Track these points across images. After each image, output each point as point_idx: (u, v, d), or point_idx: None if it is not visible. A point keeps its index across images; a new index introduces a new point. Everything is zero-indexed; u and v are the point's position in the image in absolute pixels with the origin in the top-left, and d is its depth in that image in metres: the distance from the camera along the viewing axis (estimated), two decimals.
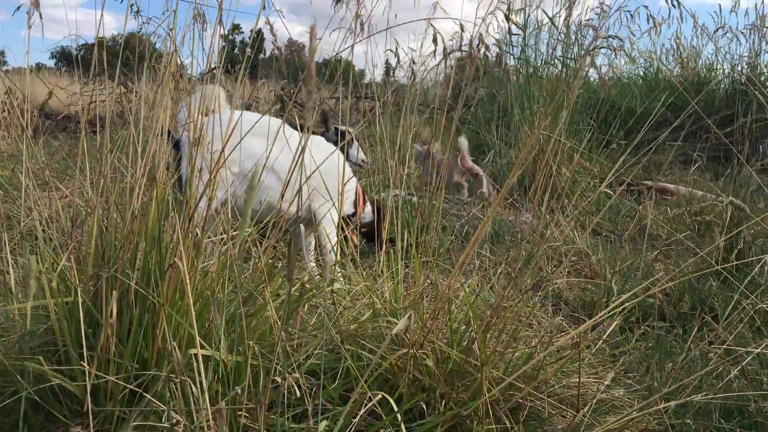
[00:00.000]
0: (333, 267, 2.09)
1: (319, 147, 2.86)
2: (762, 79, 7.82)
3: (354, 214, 3.22)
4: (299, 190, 1.42)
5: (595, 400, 1.67)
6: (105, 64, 1.64)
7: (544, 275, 2.83)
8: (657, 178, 5.54)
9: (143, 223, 1.47)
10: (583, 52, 4.95)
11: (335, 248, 2.77)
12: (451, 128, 2.49)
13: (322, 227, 2.87)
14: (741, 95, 6.34)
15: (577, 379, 1.71)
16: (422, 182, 4.82)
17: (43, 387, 1.35)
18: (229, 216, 1.63)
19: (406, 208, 3.10)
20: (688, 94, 6.58)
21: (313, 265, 2.72)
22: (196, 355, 1.15)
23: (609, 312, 1.37)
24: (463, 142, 5.06)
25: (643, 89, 7.81)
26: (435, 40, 2.18)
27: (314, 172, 1.86)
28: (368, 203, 3.33)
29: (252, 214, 2.06)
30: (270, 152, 1.73)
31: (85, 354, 1.26)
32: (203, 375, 1.10)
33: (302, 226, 2.96)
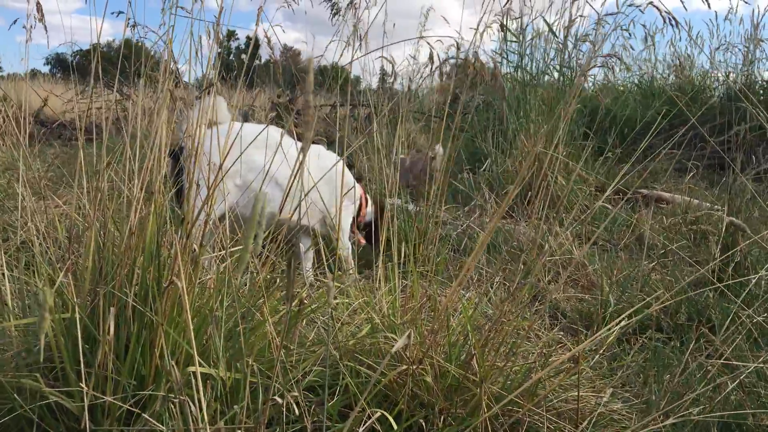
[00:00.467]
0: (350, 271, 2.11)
1: (320, 155, 2.88)
2: (756, 87, 7.85)
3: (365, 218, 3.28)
4: (302, 200, 1.42)
5: (593, 415, 1.67)
6: (101, 72, 1.63)
7: (542, 286, 2.83)
8: (652, 186, 5.55)
9: (141, 238, 1.46)
10: (580, 70, 4.96)
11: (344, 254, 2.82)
12: (447, 135, 2.49)
13: (340, 234, 2.92)
14: (735, 103, 6.35)
15: (575, 393, 1.71)
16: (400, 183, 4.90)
17: (41, 404, 1.35)
18: (227, 231, 1.63)
19: (401, 217, 3.11)
20: (682, 102, 6.58)
21: (312, 279, 2.73)
22: (194, 373, 1.14)
23: (609, 329, 1.36)
24: (439, 150, 5.09)
25: (637, 97, 7.83)
26: (431, 58, 2.18)
27: (319, 181, 1.87)
28: (370, 203, 3.35)
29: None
30: (272, 164, 1.72)
31: (82, 371, 1.25)
32: (202, 394, 1.09)
33: (303, 239, 2.98)
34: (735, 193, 3.66)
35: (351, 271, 2.83)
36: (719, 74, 8.21)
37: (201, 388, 1.09)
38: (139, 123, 1.60)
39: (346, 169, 2.90)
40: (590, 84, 7.31)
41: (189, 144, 1.57)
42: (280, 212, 1.68)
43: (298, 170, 1.46)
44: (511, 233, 3.88)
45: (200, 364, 1.20)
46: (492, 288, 2.55)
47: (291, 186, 1.52)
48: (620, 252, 3.70)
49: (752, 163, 4.68)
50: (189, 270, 1.42)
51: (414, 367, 1.44)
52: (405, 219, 3.13)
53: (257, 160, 2.24)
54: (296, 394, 1.17)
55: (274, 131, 2.39)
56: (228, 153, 1.58)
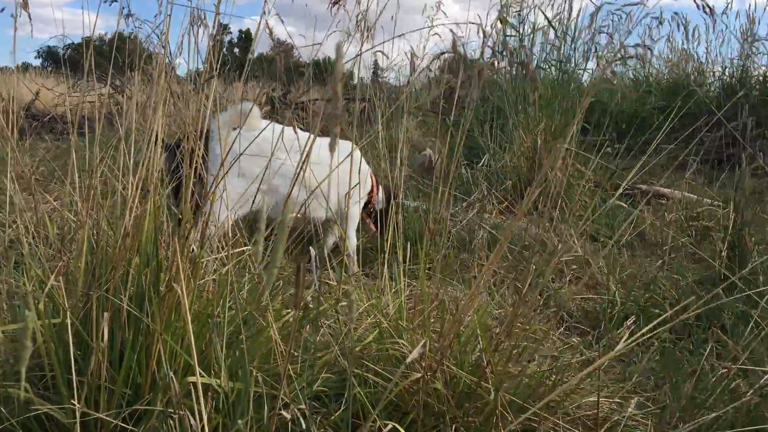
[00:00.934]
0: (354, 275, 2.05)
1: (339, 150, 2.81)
2: (752, 81, 7.80)
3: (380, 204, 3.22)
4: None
5: (610, 422, 1.60)
6: (93, 66, 1.55)
7: (546, 283, 2.76)
8: (650, 182, 5.48)
9: (136, 238, 1.38)
10: (603, 60, 4.88)
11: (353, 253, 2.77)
12: (444, 130, 2.42)
13: (348, 228, 2.85)
14: (732, 97, 6.29)
15: (590, 399, 1.65)
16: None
17: (29, 415, 1.27)
18: (229, 233, 1.55)
19: (405, 216, 3.04)
20: (678, 96, 6.53)
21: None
22: (194, 383, 1.07)
23: (635, 340, 1.29)
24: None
25: (633, 91, 7.75)
26: (453, 49, 2.11)
27: (330, 174, 1.80)
28: (381, 190, 3.28)
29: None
30: (295, 164, 1.65)
31: (74, 380, 1.17)
32: (203, 406, 1.01)
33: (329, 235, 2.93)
34: (740, 189, 3.59)
35: (355, 270, 2.77)
36: (715, 69, 8.16)
37: (202, 401, 1.02)
38: (133, 116, 1.52)
39: (361, 157, 2.84)
40: (585, 78, 7.24)
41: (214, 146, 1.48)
42: (283, 204, 1.60)
43: (305, 163, 1.39)
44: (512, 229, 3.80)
45: (200, 375, 1.12)
46: (495, 286, 2.48)
47: (298, 180, 1.45)
48: (622, 249, 3.63)
49: (756, 159, 4.62)
50: (188, 272, 1.34)
51: (428, 376, 1.36)
52: (408, 217, 3.07)
53: (280, 161, 2.17)
54: (303, 407, 1.09)
55: (299, 132, 2.32)
56: (226, 156, 1.51)
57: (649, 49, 5.99)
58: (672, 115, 2.48)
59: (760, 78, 7.91)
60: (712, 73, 8.27)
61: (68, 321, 1.25)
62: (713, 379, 1.95)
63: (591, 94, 1.72)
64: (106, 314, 1.18)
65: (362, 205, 3.16)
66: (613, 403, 1.75)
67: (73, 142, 1.47)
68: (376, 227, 3.29)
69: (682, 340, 2.44)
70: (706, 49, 8.11)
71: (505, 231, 1.36)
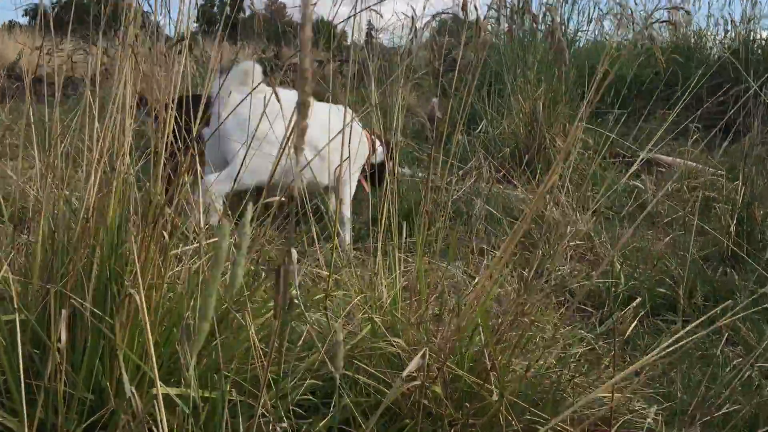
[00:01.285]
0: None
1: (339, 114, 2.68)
2: (755, 46, 7.61)
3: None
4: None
5: (621, 420, 1.49)
6: (52, 24, 1.39)
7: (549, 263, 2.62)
8: (650, 150, 5.32)
9: (102, 223, 1.23)
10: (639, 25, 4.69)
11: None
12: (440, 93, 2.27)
13: (343, 195, 2.71)
14: (732, 63, 6.13)
15: (596, 395, 1.53)
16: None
17: None
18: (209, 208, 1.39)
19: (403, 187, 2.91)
20: (678, 61, 6.36)
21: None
22: (158, 398, 0.93)
23: (665, 348, 1.16)
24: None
25: (632, 55, 7.55)
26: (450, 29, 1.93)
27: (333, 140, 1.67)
28: (378, 143, 3.11)
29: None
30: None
31: (22, 385, 1.03)
32: (165, 423, 0.87)
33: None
34: (749, 158, 3.43)
35: (347, 243, 2.63)
36: (716, 33, 7.95)
37: (165, 418, 0.88)
38: (98, 71, 1.35)
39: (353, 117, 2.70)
40: (582, 42, 7.03)
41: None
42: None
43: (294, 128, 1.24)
44: (509, 198, 3.69)
45: (164, 386, 0.98)
46: (492, 263, 2.34)
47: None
48: (623, 220, 3.48)
49: (758, 127, 4.47)
50: (158, 262, 1.19)
51: (428, 382, 1.23)
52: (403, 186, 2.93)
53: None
54: (285, 425, 0.96)
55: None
56: (203, 119, 1.35)
57: (686, 11, 5.77)
58: (671, 81, 2.34)
59: (763, 42, 7.72)
60: (713, 37, 8.06)
61: (18, 318, 1.11)
62: (727, 369, 1.84)
63: (615, 59, 1.56)
64: (64, 312, 1.04)
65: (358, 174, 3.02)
66: (622, 398, 1.64)
67: (26, 104, 1.30)
68: (372, 183, 3.14)
69: (689, 322, 2.32)
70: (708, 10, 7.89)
71: (527, 212, 1.22)
